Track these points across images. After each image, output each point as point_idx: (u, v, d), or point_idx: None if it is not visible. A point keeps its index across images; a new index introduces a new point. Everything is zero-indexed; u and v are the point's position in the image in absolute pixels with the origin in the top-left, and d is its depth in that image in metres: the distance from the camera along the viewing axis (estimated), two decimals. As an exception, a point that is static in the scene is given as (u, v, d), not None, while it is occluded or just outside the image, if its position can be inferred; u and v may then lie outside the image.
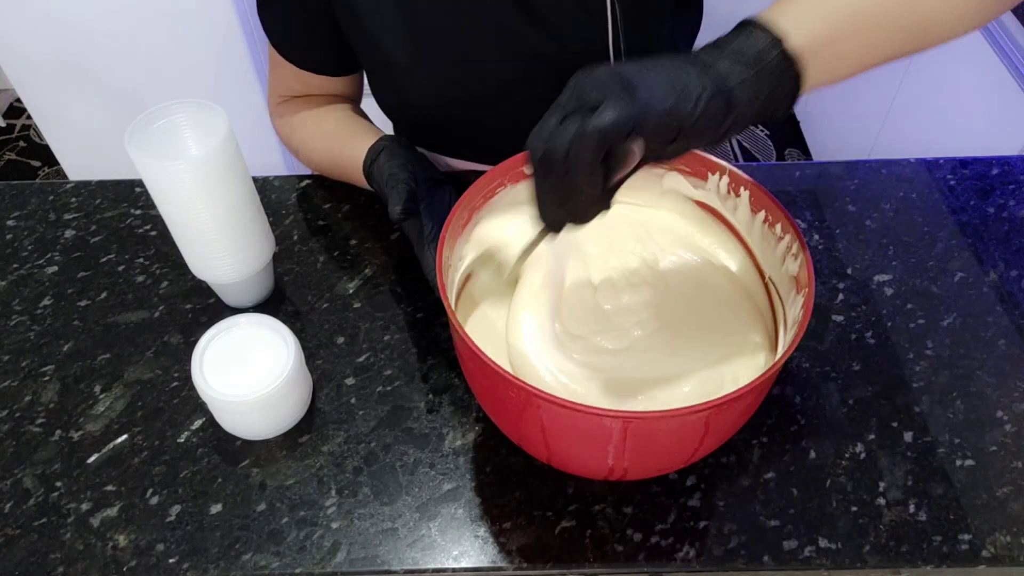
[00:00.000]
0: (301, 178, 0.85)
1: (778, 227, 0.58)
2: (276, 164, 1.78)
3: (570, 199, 0.47)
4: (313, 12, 0.75)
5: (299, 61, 0.80)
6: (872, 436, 0.62)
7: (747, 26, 0.48)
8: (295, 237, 0.78)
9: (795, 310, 0.55)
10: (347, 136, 0.79)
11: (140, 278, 0.75)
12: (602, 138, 0.43)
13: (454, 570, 0.56)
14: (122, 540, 0.58)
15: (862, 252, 0.76)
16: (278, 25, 0.79)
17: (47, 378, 0.67)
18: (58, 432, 0.64)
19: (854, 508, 0.58)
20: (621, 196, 0.67)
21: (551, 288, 0.58)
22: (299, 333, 0.70)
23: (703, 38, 0.81)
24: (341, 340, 0.69)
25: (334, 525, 0.58)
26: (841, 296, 0.72)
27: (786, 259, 0.58)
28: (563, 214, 0.49)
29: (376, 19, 0.72)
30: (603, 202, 0.48)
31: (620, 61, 0.75)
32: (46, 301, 0.73)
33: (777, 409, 0.64)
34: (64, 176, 1.95)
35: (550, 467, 0.60)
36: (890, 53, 0.52)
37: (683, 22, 0.78)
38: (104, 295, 0.73)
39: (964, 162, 0.84)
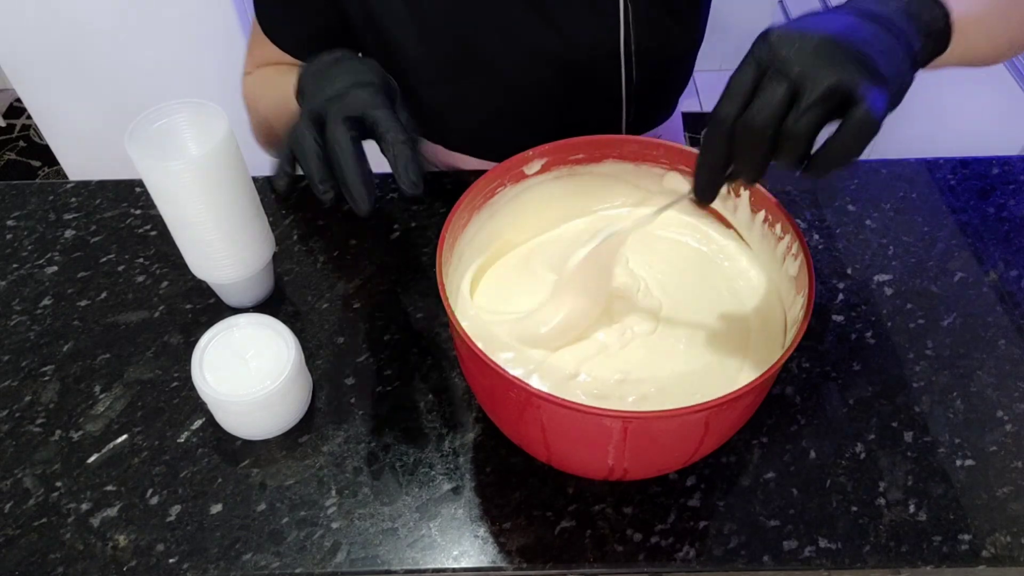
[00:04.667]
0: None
1: (778, 227, 0.58)
2: (276, 164, 1.78)
3: (761, 167, 0.45)
4: (313, 4, 0.74)
5: (289, 47, 0.78)
6: (872, 436, 0.62)
7: None
8: (295, 237, 0.78)
9: (795, 310, 0.55)
10: (286, 70, 0.74)
11: (140, 278, 0.75)
12: (874, 133, 0.41)
13: (454, 570, 0.56)
14: (122, 540, 0.58)
15: (862, 252, 0.76)
16: (272, 10, 0.76)
17: (47, 378, 0.67)
18: (58, 432, 0.64)
19: (854, 508, 0.58)
20: (621, 197, 0.67)
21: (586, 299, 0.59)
22: (299, 333, 0.70)
23: (708, 41, 0.82)
24: (341, 340, 0.69)
25: (334, 525, 0.58)
26: (841, 296, 0.72)
27: (786, 259, 0.58)
28: (722, 183, 0.47)
29: (386, 11, 0.72)
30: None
31: (631, 63, 0.75)
32: (46, 301, 0.73)
33: (777, 409, 0.64)
34: (64, 176, 1.95)
35: (550, 467, 0.60)
36: (1013, 42, 0.54)
37: (692, 24, 0.78)
38: (104, 295, 0.73)
39: (964, 162, 0.84)
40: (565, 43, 0.72)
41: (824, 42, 0.42)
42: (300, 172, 0.57)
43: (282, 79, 0.76)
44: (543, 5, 0.70)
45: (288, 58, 0.79)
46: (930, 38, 0.47)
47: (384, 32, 0.73)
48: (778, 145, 0.43)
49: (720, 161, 0.46)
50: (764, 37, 0.44)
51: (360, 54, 0.82)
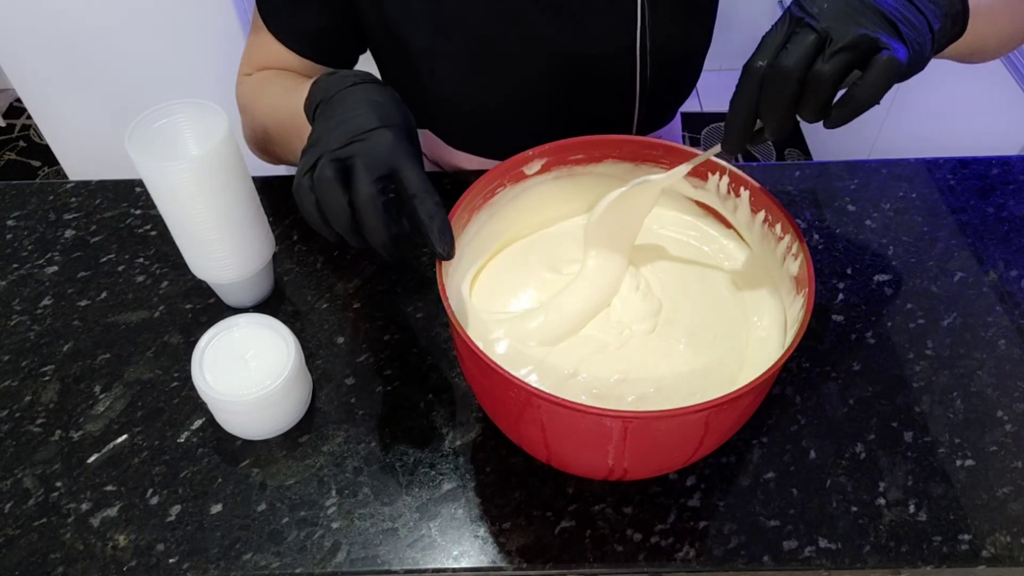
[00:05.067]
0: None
1: (778, 227, 0.58)
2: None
3: (787, 115, 0.48)
4: None
5: (292, 42, 0.76)
6: (872, 436, 0.62)
7: None
8: (295, 237, 0.78)
9: (795, 310, 0.55)
10: (295, 87, 0.70)
11: (140, 278, 0.75)
12: (898, 77, 0.45)
13: (454, 570, 0.56)
14: (122, 540, 0.58)
15: (862, 252, 0.76)
16: (276, 2, 0.75)
17: (47, 378, 0.67)
18: (58, 432, 0.64)
19: (854, 508, 0.58)
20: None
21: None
22: (299, 333, 0.70)
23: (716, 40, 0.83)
24: (341, 340, 0.69)
25: (334, 525, 0.58)
26: (841, 296, 0.72)
27: (786, 259, 0.58)
28: (750, 134, 0.51)
29: (399, 3, 0.71)
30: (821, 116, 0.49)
31: (646, 59, 0.75)
32: (46, 301, 0.73)
33: (777, 409, 0.64)
34: (64, 176, 1.95)
35: (550, 467, 0.60)
36: (1015, 35, 0.62)
37: (707, 21, 0.79)
38: (104, 295, 0.73)
39: (964, 162, 0.84)
40: (582, 37, 0.72)
41: (852, 1, 0.46)
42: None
43: (284, 84, 0.75)
44: (561, 3, 0.70)
45: (290, 62, 0.78)
46: (948, 19, 0.50)
47: (394, 23, 0.73)
48: (804, 91, 0.46)
49: (750, 110, 0.49)
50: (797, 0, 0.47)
51: (368, 51, 0.82)
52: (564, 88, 0.77)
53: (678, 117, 0.96)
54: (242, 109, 0.81)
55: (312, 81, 0.58)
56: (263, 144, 0.79)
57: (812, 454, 0.61)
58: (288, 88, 0.72)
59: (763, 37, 0.48)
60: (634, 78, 0.76)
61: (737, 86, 0.49)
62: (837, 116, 0.47)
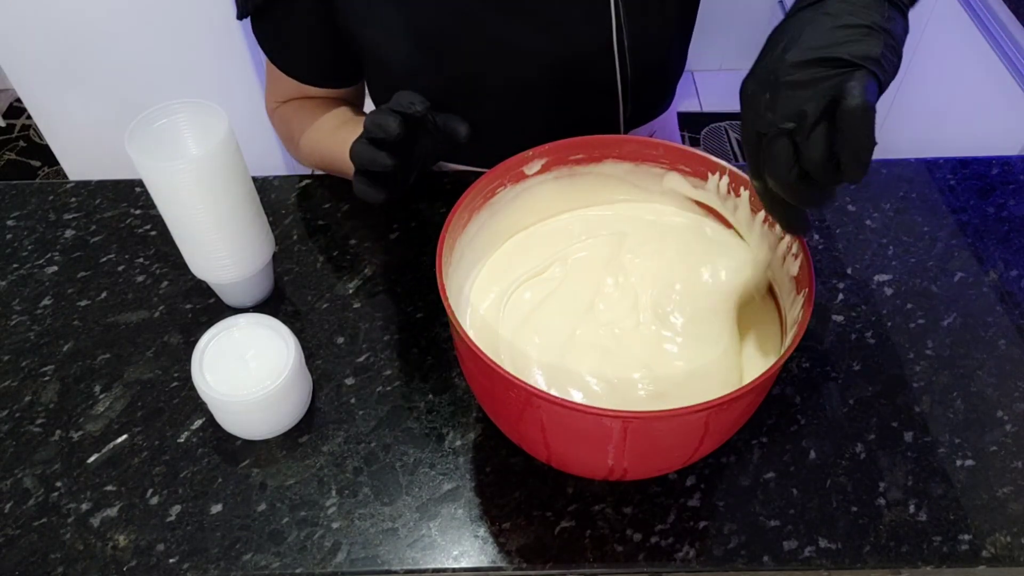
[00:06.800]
0: (301, 178, 0.85)
1: (778, 227, 0.58)
2: (276, 164, 1.78)
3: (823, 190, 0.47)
4: (310, 25, 0.75)
5: (298, 75, 0.81)
6: (872, 436, 0.62)
7: None
8: (295, 237, 0.78)
9: (795, 310, 0.55)
10: (340, 126, 0.80)
11: (140, 278, 0.75)
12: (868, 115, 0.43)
13: (454, 570, 0.56)
14: (122, 540, 0.58)
15: (862, 252, 0.76)
16: (273, 40, 0.79)
17: (47, 378, 0.67)
18: (58, 432, 0.64)
19: (854, 508, 0.58)
20: (621, 197, 0.67)
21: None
22: (299, 333, 0.70)
23: (698, 44, 0.82)
24: (341, 340, 0.69)
25: (334, 525, 0.58)
26: (841, 296, 0.72)
27: (786, 259, 0.58)
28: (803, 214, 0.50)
29: (376, 24, 0.72)
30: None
31: (625, 63, 0.75)
32: (46, 301, 0.73)
33: (777, 409, 0.64)
34: (64, 176, 1.95)
35: (550, 467, 0.60)
36: None
37: (684, 14, 0.79)
38: (104, 295, 0.73)
39: (964, 162, 0.84)
40: (558, 48, 0.72)
41: (792, 65, 0.43)
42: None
43: (321, 126, 0.82)
44: (536, 10, 0.70)
45: (307, 88, 0.82)
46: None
47: (375, 45, 0.74)
48: (809, 175, 0.46)
49: (780, 204, 0.49)
50: (743, 92, 0.47)
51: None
52: (547, 92, 0.77)
53: (675, 116, 0.96)
54: (282, 139, 0.89)
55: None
56: (324, 169, 0.86)
57: (812, 454, 0.61)
58: (324, 132, 0.82)
59: (742, 144, 0.48)
60: (615, 77, 0.76)
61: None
62: (850, 178, 0.45)
